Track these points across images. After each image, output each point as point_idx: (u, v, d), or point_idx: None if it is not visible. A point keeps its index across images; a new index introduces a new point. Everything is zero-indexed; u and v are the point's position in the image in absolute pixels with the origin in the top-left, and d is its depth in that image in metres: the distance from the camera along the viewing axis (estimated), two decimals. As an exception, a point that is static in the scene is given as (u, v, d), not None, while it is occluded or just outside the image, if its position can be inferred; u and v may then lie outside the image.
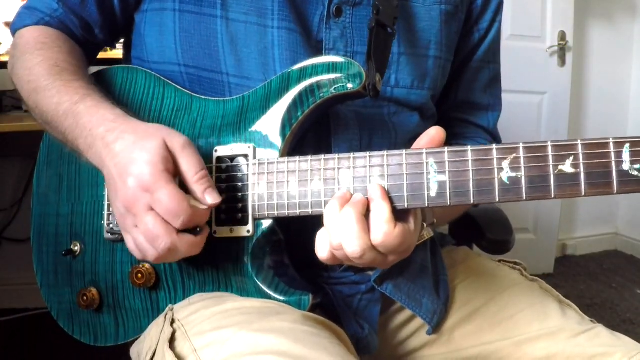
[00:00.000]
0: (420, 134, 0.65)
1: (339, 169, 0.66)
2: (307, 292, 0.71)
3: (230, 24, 0.77)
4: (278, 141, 0.71)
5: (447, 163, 0.61)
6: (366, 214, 0.62)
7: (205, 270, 0.74)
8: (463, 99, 0.96)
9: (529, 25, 2.83)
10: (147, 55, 0.83)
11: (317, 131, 0.77)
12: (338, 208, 0.62)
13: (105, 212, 0.79)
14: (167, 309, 0.75)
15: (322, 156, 0.67)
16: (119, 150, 0.66)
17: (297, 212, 0.67)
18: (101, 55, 0.94)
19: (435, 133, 0.64)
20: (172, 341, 0.69)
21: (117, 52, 0.96)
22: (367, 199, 0.63)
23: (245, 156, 0.71)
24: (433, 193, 0.61)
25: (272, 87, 0.73)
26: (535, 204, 2.93)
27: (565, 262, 3.26)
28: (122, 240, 0.78)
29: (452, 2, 0.85)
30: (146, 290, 0.77)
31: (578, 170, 0.57)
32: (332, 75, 0.70)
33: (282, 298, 0.71)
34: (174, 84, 0.79)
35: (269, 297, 0.71)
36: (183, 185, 0.66)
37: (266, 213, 0.69)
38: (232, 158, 0.72)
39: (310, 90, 0.70)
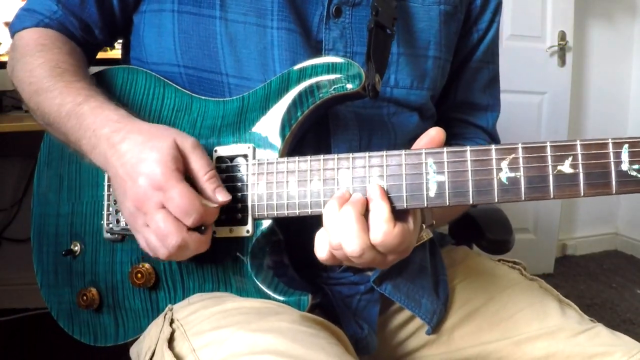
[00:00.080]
0: (420, 134, 0.65)
1: (338, 169, 0.66)
2: (306, 292, 0.71)
3: (229, 24, 0.77)
4: (277, 141, 0.71)
5: (446, 163, 0.61)
6: (365, 214, 0.62)
7: (205, 270, 0.74)
8: (462, 99, 0.96)
9: (529, 25, 2.83)
10: (146, 56, 0.83)
11: (317, 131, 0.77)
12: (337, 208, 0.62)
13: (105, 212, 0.79)
14: (167, 308, 0.75)
15: (321, 156, 0.67)
16: (126, 150, 0.66)
17: (297, 212, 0.67)
18: (101, 55, 0.94)
19: (435, 133, 0.64)
20: (171, 341, 0.69)
21: (117, 52, 0.96)
22: (366, 198, 0.63)
23: (245, 156, 0.71)
24: (432, 193, 0.62)
25: (272, 87, 0.73)
26: (535, 204, 2.93)
27: (565, 262, 3.26)
28: (121, 240, 0.78)
29: (451, 2, 0.86)
30: (146, 290, 0.77)
31: (577, 170, 0.57)
32: (332, 76, 0.70)
33: (281, 298, 0.71)
34: (174, 85, 0.79)
35: (268, 297, 0.71)
36: (191, 186, 0.66)
37: (265, 213, 0.69)
38: (232, 158, 0.72)
39: (310, 91, 0.70)
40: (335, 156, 0.66)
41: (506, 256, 1.00)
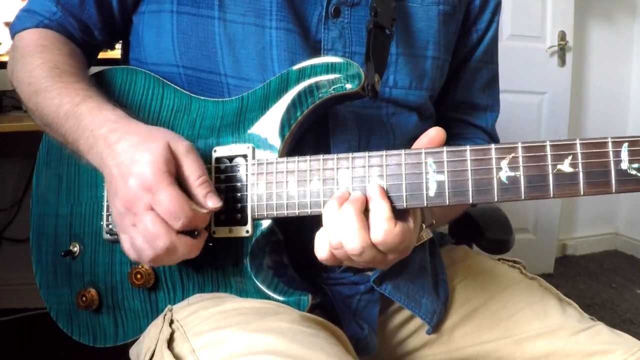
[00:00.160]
0: (419, 134, 0.65)
1: (337, 169, 0.66)
2: (306, 293, 0.71)
3: (228, 25, 0.77)
4: (277, 141, 0.71)
5: (445, 163, 0.61)
6: (365, 212, 0.62)
7: (204, 270, 0.74)
8: (461, 99, 0.96)
9: (529, 25, 2.83)
10: (145, 57, 0.83)
11: (316, 132, 0.77)
12: (337, 207, 0.62)
13: (105, 213, 0.79)
14: (166, 309, 0.75)
15: (320, 156, 0.67)
16: (121, 151, 0.66)
17: (296, 212, 0.67)
18: (101, 55, 0.94)
19: (435, 133, 0.64)
20: (170, 341, 0.69)
21: (117, 52, 0.96)
22: (366, 197, 0.63)
23: (244, 156, 0.71)
24: (432, 193, 0.61)
25: (271, 87, 0.73)
26: (535, 203, 2.93)
27: (565, 262, 3.26)
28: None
29: (450, 2, 0.85)
30: (145, 290, 0.77)
31: (577, 169, 0.57)
32: (331, 76, 0.70)
33: (281, 298, 0.71)
34: (173, 85, 0.79)
35: (268, 298, 0.71)
36: (183, 189, 0.66)
37: (265, 213, 0.69)
38: (231, 158, 0.72)
39: (309, 91, 0.70)
40: (335, 156, 0.66)
41: (506, 256, 1.00)
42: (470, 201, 0.60)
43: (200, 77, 0.79)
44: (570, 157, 0.57)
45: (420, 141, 0.64)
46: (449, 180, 0.61)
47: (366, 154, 0.65)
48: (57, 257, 0.84)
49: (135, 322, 0.79)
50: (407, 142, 0.81)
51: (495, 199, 0.59)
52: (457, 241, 1.08)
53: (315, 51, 0.78)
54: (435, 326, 0.84)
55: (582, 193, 0.57)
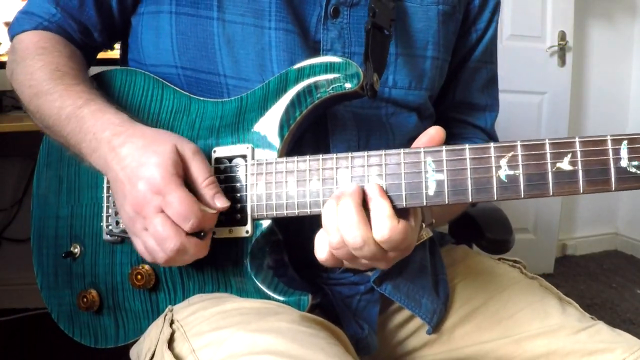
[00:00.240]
0: (418, 134, 0.65)
1: (337, 168, 0.66)
2: (306, 293, 0.71)
3: (227, 25, 0.77)
4: (276, 142, 0.71)
5: (444, 162, 0.61)
6: (366, 211, 0.62)
7: (205, 271, 0.74)
8: (461, 99, 0.96)
9: (529, 25, 2.84)
10: (144, 58, 0.83)
11: (315, 131, 0.77)
12: (335, 204, 0.62)
13: (105, 214, 0.79)
14: (167, 309, 0.75)
15: (320, 156, 0.67)
16: (126, 154, 0.66)
17: (296, 212, 0.67)
18: (100, 55, 0.94)
19: (435, 132, 0.64)
20: (171, 342, 0.69)
21: (117, 53, 0.96)
22: (363, 188, 0.62)
23: (244, 157, 0.71)
24: (431, 192, 0.61)
25: (270, 87, 0.73)
26: (535, 203, 2.93)
27: (565, 262, 3.26)
28: (121, 242, 0.78)
29: (450, 2, 0.85)
30: (146, 291, 0.77)
31: (576, 167, 0.57)
32: (330, 76, 0.70)
33: (281, 298, 0.71)
34: (172, 86, 0.79)
35: (268, 298, 0.71)
36: (190, 191, 0.66)
37: (265, 213, 0.69)
38: (231, 159, 0.72)
39: (308, 91, 0.70)
40: (334, 156, 0.66)
41: (506, 256, 1.00)
42: (470, 200, 0.60)
43: (199, 78, 0.79)
44: (569, 155, 0.57)
45: (419, 140, 0.64)
46: (449, 179, 0.61)
47: (365, 153, 0.64)
48: (57, 258, 0.84)
49: (136, 322, 0.79)
50: (406, 142, 0.81)
51: (495, 198, 0.59)
52: (457, 241, 1.07)
53: (315, 51, 0.78)
54: (436, 326, 0.84)
55: (581, 191, 0.57)
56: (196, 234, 0.66)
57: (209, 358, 0.63)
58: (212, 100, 0.77)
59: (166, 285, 0.76)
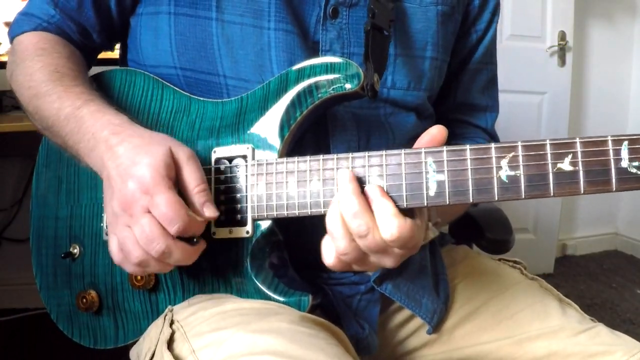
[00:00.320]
0: (418, 134, 0.65)
1: (337, 169, 0.65)
2: (306, 293, 0.71)
3: (226, 26, 0.76)
4: (276, 142, 0.71)
5: (445, 162, 0.61)
6: (363, 192, 0.61)
7: (205, 271, 0.74)
8: (462, 100, 0.96)
9: (529, 25, 2.84)
10: (143, 59, 0.83)
11: (315, 132, 0.77)
12: (335, 203, 0.62)
13: (104, 215, 0.79)
14: (167, 310, 0.75)
15: (320, 156, 0.67)
16: (122, 153, 0.66)
17: (296, 212, 0.67)
18: (100, 55, 0.94)
19: (436, 132, 0.63)
20: (170, 342, 0.69)
21: (116, 53, 0.96)
22: (363, 190, 0.62)
23: (244, 157, 0.71)
24: (432, 192, 0.61)
25: (271, 88, 0.73)
26: (535, 203, 2.93)
27: (565, 262, 3.26)
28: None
29: (449, 2, 0.85)
30: (145, 292, 0.77)
31: (577, 168, 0.57)
32: (330, 76, 0.70)
33: (281, 299, 0.70)
34: (172, 86, 0.79)
35: (269, 298, 0.71)
36: (182, 196, 0.65)
37: (265, 214, 0.69)
38: (231, 159, 0.72)
39: (309, 91, 0.70)
40: (335, 156, 0.66)
41: (506, 256, 1.00)
42: (471, 200, 0.60)
43: (198, 79, 0.79)
44: (570, 156, 0.57)
45: (421, 139, 0.64)
46: (449, 180, 0.61)
47: (366, 153, 0.64)
48: (57, 259, 0.84)
49: (135, 323, 0.79)
50: (406, 142, 0.81)
51: (496, 198, 0.59)
52: (457, 241, 1.07)
53: (314, 52, 0.77)
54: (436, 326, 0.84)
55: (582, 192, 0.57)
56: (188, 239, 0.65)
57: (208, 358, 0.63)
58: (212, 100, 0.77)
59: (166, 285, 0.76)
